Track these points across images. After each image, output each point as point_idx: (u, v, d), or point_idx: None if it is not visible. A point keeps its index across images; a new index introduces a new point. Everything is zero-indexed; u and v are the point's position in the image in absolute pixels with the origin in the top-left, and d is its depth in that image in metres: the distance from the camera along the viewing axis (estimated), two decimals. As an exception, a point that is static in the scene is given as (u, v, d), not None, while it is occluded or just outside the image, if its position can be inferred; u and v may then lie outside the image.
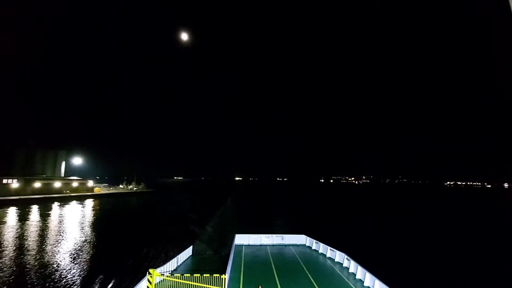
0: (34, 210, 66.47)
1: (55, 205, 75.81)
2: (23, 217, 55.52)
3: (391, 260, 30.17)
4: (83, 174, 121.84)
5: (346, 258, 18.41)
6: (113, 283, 22.23)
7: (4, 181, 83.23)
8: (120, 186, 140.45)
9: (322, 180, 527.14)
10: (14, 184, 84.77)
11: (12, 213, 60.17)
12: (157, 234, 42.29)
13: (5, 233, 40.86)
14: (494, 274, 29.02)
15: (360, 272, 16.48)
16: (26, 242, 35.96)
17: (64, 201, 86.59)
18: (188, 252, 20.72)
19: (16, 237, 39.11)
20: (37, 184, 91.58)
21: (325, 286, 15.13)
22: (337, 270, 17.75)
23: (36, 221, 51.61)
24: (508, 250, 39.96)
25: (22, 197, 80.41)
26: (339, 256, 19.44)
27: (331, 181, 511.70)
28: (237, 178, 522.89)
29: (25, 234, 40.93)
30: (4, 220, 52.05)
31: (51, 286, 22.14)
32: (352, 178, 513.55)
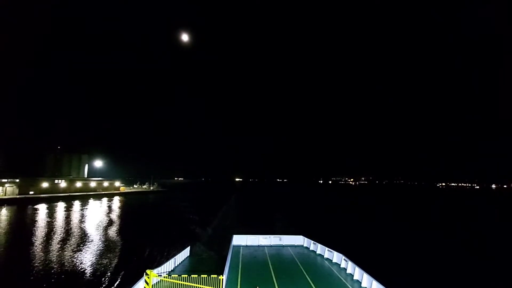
0: (76, 204, 74.89)
1: (91, 201, 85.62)
2: (68, 210, 64.12)
3: (389, 261, 28.41)
4: (101, 175, 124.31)
5: (344, 259, 16.97)
6: (112, 283, 21.13)
7: (56, 181, 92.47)
8: (134, 186, 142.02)
9: (321, 181, 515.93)
10: (62, 183, 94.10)
11: (61, 207, 68.66)
12: (159, 233, 41.60)
13: (55, 220, 50.10)
14: (492, 274, 26.99)
15: (357, 273, 15.11)
16: (46, 233, 36.34)
17: (98, 197, 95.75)
18: (185, 252, 19.34)
19: (55, 225, 45.44)
20: (78, 184, 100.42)
21: (322, 287, 13.81)
22: (335, 271, 16.33)
23: (77, 211, 61.79)
24: (505, 248, 37.69)
25: (68, 194, 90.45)
26: (336, 257, 17.98)
27: (330, 182, 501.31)
28: (237, 179, 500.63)
29: (56, 225, 44.99)
30: (56, 210, 62.40)
31: (52, 279, 21.65)
32: (352, 179, 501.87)
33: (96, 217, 55.17)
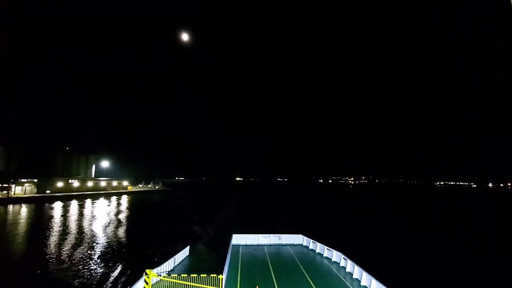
0: (88, 202, 77.99)
1: (102, 199, 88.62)
2: (81, 207, 67.58)
3: (388, 259, 27.86)
4: (106, 175, 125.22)
5: (343, 258, 16.61)
6: (112, 283, 20.85)
7: (70, 181, 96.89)
8: (139, 185, 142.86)
9: (321, 180, 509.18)
10: (75, 183, 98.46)
11: (74, 205, 71.87)
12: (160, 232, 41.32)
13: (67, 217, 52.06)
14: (492, 274, 26.33)
15: (357, 271, 14.77)
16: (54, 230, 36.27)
17: (107, 196, 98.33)
18: (185, 252, 18.96)
19: (67, 222, 46.93)
20: (90, 183, 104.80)
21: (322, 286, 13.52)
22: (334, 270, 15.97)
23: (88, 209, 64.99)
24: (505, 248, 36.88)
25: (80, 193, 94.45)
26: (336, 255, 17.60)
27: (330, 181, 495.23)
28: (237, 178, 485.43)
29: (68, 222, 46.06)
30: (70, 207, 65.29)
31: (53, 275, 21.64)
32: (352, 179, 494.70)
33: (105, 215, 56.17)
